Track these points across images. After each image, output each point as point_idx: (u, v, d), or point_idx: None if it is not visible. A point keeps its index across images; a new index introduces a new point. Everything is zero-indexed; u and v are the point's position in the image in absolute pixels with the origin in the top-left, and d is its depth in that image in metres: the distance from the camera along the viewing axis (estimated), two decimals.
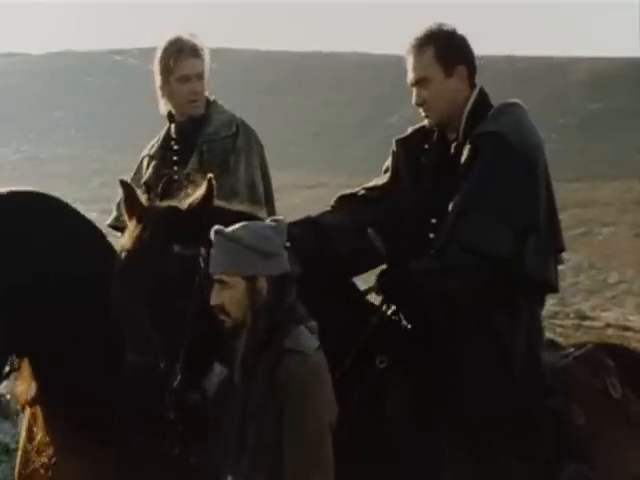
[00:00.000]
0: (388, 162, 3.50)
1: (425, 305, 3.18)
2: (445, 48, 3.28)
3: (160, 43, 3.99)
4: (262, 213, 3.60)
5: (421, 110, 3.34)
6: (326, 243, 3.28)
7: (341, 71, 39.17)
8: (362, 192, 3.50)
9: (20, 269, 3.09)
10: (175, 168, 3.92)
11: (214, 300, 2.89)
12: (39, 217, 3.18)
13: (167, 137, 4.01)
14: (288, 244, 2.96)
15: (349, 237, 3.38)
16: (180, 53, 3.87)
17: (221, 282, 2.88)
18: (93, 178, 30.63)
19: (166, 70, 3.92)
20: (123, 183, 3.15)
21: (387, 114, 32.51)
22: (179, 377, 2.95)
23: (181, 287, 3.00)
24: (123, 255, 3.04)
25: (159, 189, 3.79)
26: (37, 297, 3.09)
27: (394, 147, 3.47)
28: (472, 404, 3.15)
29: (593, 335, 12.31)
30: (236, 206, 3.28)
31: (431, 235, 3.26)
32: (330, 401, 2.85)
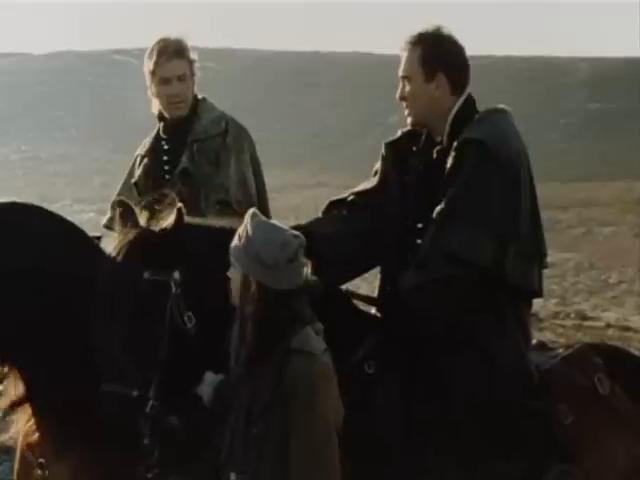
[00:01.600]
0: (377, 165, 3.52)
1: (413, 319, 3.20)
2: (430, 53, 3.32)
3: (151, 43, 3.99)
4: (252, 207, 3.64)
5: (403, 104, 3.39)
6: (314, 251, 3.30)
7: (341, 71, 39.17)
8: (351, 197, 3.53)
9: (5, 272, 3.10)
10: (166, 167, 3.90)
11: (229, 272, 2.91)
12: (21, 225, 3.21)
13: (157, 137, 3.99)
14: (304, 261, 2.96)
15: (337, 245, 3.41)
16: (161, 55, 3.86)
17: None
18: (94, 178, 30.63)
19: (150, 71, 3.90)
20: (120, 202, 3.15)
21: (387, 114, 32.52)
22: (152, 403, 2.99)
23: (153, 313, 3.03)
24: (97, 284, 3.07)
25: (150, 189, 3.81)
26: (23, 301, 3.11)
27: (383, 151, 3.49)
28: (459, 408, 3.17)
29: (594, 335, 12.30)
30: (214, 221, 3.29)
31: (418, 241, 3.28)
32: (337, 402, 2.86)
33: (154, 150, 3.98)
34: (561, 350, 3.50)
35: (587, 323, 14.00)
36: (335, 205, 3.54)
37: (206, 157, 3.85)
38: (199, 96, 4.03)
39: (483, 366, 3.18)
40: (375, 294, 3.49)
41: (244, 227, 2.92)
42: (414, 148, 3.41)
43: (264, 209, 3.83)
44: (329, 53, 43.89)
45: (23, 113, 38.76)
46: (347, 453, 2.93)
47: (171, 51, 3.87)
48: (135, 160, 4.05)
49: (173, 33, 3.99)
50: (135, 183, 3.99)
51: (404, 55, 3.36)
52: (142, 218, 3.15)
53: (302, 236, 2.98)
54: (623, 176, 27.41)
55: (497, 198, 3.22)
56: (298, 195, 24.57)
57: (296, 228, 3.36)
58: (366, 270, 3.50)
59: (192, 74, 3.95)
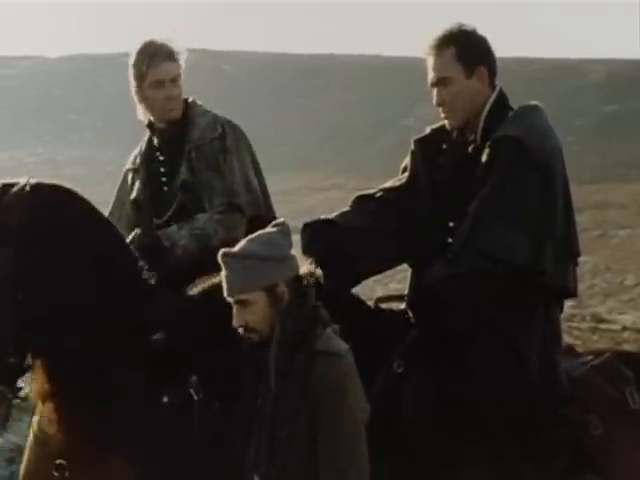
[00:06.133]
0: (406, 161, 3.49)
1: (442, 312, 3.17)
2: (466, 48, 3.27)
3: (134, 47, 3.81)
4: (261, 209, 3.64)
5: (441, 110, 3.33)
6: (340, 245, 3.29)
7: (354, 73, 39.11)
8: (379, 194, 3.49)
9: (42, 262, 3.08)
10: (163, 179, 3.78)
11: (237, 322, 2.90)
12: (59, 211, 3.19)
13: (150, 148, 3.85)
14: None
15: (365, 239, 3.39)
16: (153, 58, 3.74)
17: (240, 302, 2.89)
18: (108, 180, 30.70)
19: (139, 76, 3.76)
20: None
21: (402, 116, 32.46)
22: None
23: None
24: None
25: (148, 201, 3.74)
26: (55, 291, 3.09)
27: (412, 147, 3.45)
28: (488, 406, 3.14)
29: (610, 338, 12.24)
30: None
31: (449, 239, 3.25)
32: (363, 400, 2.90)
33: (148, 162, 3.84)
34: (590, 358, 3.46)
35: (603, 326, 13.91)
36: (363, 200, 3.51)
37: (205, 163, 3.71)
38: (189, 99, 3.86)
39: (512, 365, 3.16)
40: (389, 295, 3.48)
41: (231, 263, 2.87)
42: (444, 146, 3.38)
43: (269, 209, 3.79)
44: (342, 55, 43.84)
45: (38, 116, 38.91)
46: (378, 450, 2.93)
47: (163, 53, 3.76)
48: (125, 175, 3.90)
49: (158, 36, 3.81)
50: (135, 200, 3.83)
51: (432, 59, 3.29)
52: None
53: (283, 221, 3.02)
54: (638, 178, 27.25)
55: (533, 197, 3.19)
56: (312, 198, 24.53)
57: (324, 221, 3.36)
58: (392, 266, 3.49)
59: (180, 75, 3.81)
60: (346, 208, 3.49)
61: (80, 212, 3.20)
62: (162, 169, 3.79)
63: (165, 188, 3.76)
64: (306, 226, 3.39)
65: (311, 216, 3.48)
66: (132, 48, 3.81)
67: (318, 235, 3.35)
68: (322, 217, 3.41)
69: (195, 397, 3.05)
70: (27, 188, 3.09)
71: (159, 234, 3.55)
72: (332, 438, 2.81)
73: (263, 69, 40.12)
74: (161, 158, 3.81)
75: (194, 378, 3.07)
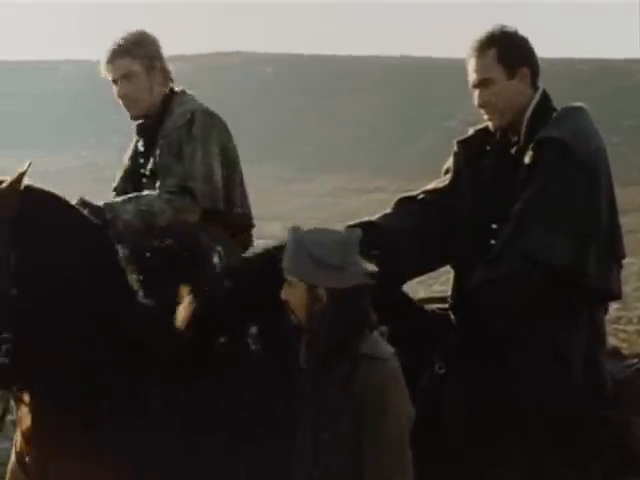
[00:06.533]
0: (449, 163, 3.50)
1: (482, 315, 3.18)
2: (507, 49, 3.28)
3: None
4: (218, 203, 3.57)
5: (483, 112, 3.34)
6: (382, 246, 3.30)
7: (395, 74, 39.02)
8: (422, 195, 3.50)
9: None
10: (142, 170, 3.79)
11: (283, 295, 2.94)
12: (48, 211, 3.20)
13: (138, 140, 3.90)
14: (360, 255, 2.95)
15: (405, 241, 3.40)
16: (106, 57, 3.74)
17: (288, 280, 2.93)
18: None
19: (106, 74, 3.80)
20: None
21: (444, 117, 32.32)
22: None
23: None
24: None
25: (130, 192, 3.74)
26: (46, 288, 3.08)
27: (455, 148, 3.46)
28: (529, 408, 3.13)
29: None
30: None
31: (492, 241, 3.25)
32: (408, 404, 2.90)
33: (135, 155, 3.87)
34: (636, 360, 3.45)
35: None
36: (405, 201, 3.52)
37: (169, 148, 3.68)
38: (177, 89, 3.83)
39: (554, 367, 3.15)
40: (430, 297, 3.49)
41: (293, 242, 2.89)
42: (487, 147, 3.39)
43: (231, 202, 3.75)
44: (383, 57, 43.77)
45: (83, 119, 39.31)
46: (420, 451, 2.94)
47: (113, 50, 3.72)
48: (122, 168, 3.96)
49: (125, 32, 3.75)
50: (115, 189, 3.84)
51: (474, 61, 3.31)
52: None
53: (357, 229, 3.00)
54: None
55: (577, 199, 3.18)
56: (355, 200, 24.50)
57: (367, 223, 3.37)
58: (435, 268, 3.50)
59: (150, 69, 3.76)
60: (388, 210, 3.51)
61: (69, 214, 3.25)
62: (141, 160, 3.80)
63: (144, 180, 3.76)
64: (349, 228, 3.41)
65: (356, 218, 3.49)
66: None
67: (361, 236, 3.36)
68: (365, 219, 3.43)
69: (252, 347, 3.07)
70: (20, 185, 3.10)
71: (102, 205, 3.50)
72: (376, 440, 2.80)
73: (303, 70, 40.19)
74: (141, 149, 3.83)
75: (254, 329, 3.10)
